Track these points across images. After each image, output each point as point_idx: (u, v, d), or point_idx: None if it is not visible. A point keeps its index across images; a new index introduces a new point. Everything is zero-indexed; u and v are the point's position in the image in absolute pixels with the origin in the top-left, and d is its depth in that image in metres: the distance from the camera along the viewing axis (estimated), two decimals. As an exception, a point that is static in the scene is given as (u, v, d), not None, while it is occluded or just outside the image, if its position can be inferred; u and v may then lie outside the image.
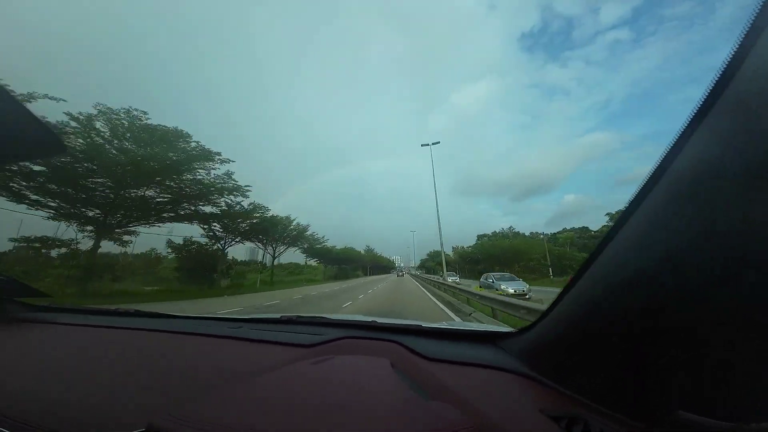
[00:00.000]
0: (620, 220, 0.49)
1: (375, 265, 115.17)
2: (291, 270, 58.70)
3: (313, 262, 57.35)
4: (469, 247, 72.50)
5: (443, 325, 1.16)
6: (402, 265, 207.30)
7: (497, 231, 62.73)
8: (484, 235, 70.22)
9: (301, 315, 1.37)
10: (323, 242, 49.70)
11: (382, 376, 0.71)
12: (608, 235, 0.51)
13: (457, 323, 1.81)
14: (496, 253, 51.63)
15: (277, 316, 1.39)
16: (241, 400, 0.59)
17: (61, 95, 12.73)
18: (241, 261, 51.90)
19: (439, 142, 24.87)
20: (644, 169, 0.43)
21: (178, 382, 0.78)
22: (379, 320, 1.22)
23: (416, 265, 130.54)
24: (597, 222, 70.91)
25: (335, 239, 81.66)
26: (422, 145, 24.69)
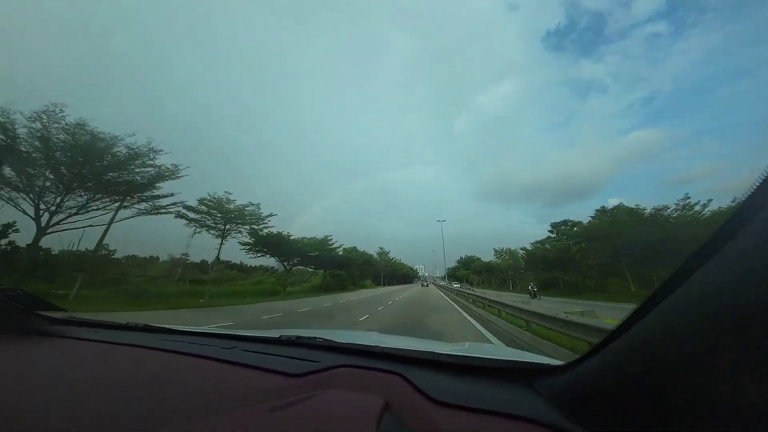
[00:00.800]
0: (740, 214, 0.35)
1: (393, 273, 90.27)
2: (279, 278, 35.22)
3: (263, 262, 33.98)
4: (546, 242, 44.62)
5: (464, 352, 1.00)
6: (426, 274, 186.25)
7: (606, 207, 34.56)
8: (565, 222, 42.61)
9: (301, 336, 1.27)
10: (265, 220, 25.96)
11: (368, 424, 0.57)
12: (719, 234, 0.37)
13: (480, 348, 1.26)
14: (647, 241, 23.31)
15: (277, 335, 1.30)
16: None
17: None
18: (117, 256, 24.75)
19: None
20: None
21: (159, 407, 0.72)
22: (386, 344, 1.09)
23: (445, 274, 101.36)
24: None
25: (358, 247, 57.73)
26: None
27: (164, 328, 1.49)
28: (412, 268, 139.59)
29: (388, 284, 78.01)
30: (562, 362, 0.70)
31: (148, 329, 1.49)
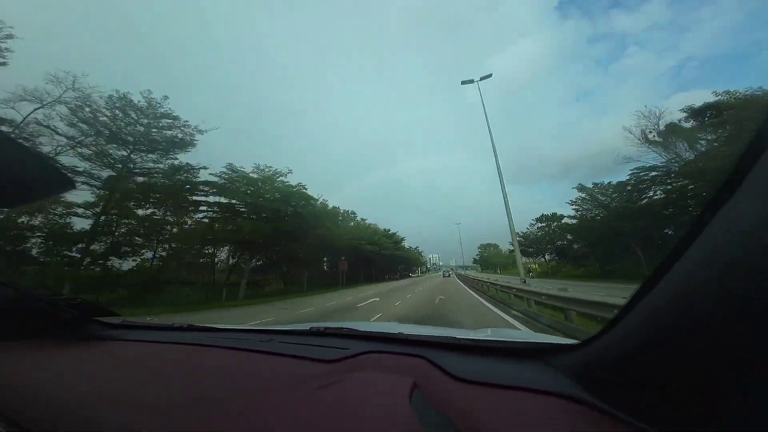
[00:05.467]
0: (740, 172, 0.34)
1: (385, 258, 59.67)
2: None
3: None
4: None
5: (483, 336, 1.09)
6: (441, 263, 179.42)
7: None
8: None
9: (329, 326, 1.36)
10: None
11: (398, 401, 0.61)
12: (719, 195, 0.36)
13: (500, 333, 1.33)
14: None
15: (307, 327, 1.40)
16: (247, 421, 0.60)
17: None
18: None
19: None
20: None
21: (219, 393, 0.79)
22: (407, 331, 1.16)
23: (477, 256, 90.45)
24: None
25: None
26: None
27: (207, 327, 1.58)
28: (418, 253, 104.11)
29: (359, 282, 40.99)
30: (578, 341, 0.74)
31: (192, 329, 1.57)
